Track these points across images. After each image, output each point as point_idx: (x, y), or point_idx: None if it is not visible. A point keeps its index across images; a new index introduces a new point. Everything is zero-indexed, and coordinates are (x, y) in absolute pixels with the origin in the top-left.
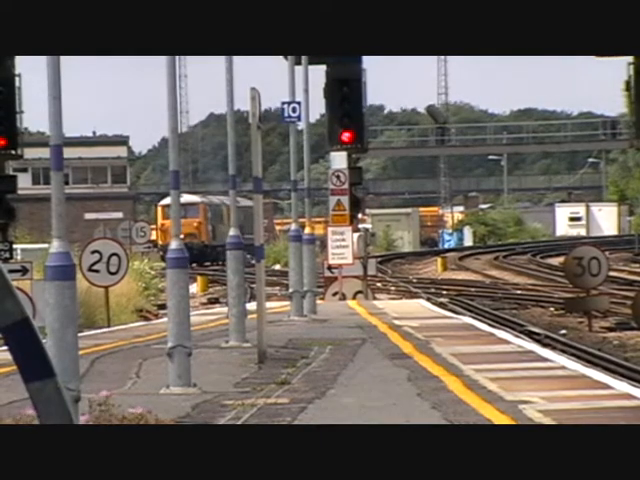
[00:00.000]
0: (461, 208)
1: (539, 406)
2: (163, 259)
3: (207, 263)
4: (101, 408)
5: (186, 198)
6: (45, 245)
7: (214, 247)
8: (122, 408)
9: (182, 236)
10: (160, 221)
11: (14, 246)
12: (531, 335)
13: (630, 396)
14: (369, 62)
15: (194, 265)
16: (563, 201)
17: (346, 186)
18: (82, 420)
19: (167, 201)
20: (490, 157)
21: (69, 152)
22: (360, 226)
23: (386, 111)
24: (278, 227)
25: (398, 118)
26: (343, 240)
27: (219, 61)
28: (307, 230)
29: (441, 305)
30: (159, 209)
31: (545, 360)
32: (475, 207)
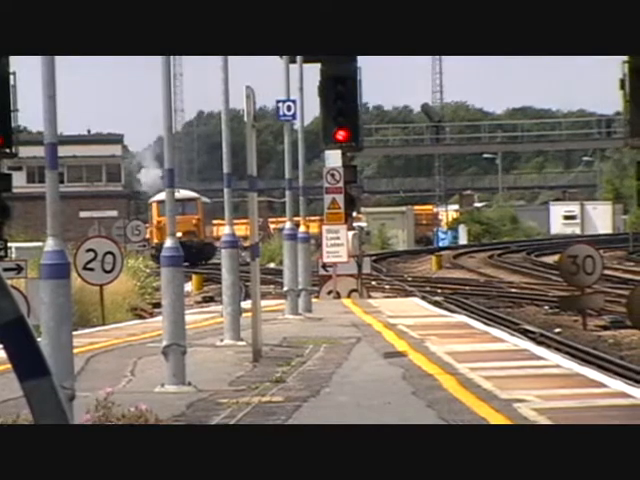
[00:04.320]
0: (456, 206)
1: (534, 404)
2: (156, 259)
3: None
4: (106, 404)
5: (183, 194)
6: (40, 243)
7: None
8: (118, 407)
9: (180, 234)
10: (156, 218)
11: (9, 245)
12: (526, 333)
13: (625, 394)
14: (364, 60)
15: (189, 263)
16: (558, 199)
17: (341, 184)
18: (84, 419)
19: (162, 196)
20: (485, 155)
21: (64, 150)
22: (355, 224)
23: (379, 109)
24: (273, 225)
25: (392, 116)
26: (338, 238)
27: (213, 59)
28: (302, 228)
29: (436, 303)
30: (154, 205)
31: (540, 358)
32: (470, 205)
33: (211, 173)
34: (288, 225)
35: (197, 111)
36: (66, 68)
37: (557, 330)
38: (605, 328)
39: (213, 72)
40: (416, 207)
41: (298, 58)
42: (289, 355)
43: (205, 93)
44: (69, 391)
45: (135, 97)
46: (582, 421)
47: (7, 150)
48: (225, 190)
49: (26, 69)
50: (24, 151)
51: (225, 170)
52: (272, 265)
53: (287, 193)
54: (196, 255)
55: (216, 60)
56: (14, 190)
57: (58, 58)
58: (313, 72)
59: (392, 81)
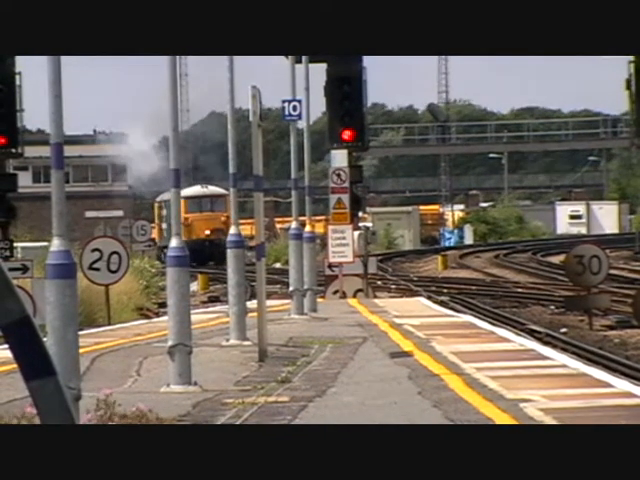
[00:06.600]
0: (462, 206)
1: (540, 404)
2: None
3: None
4: (106, 402)
5: (212, 189)
6: (45, 243)
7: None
8: (123, 406)
9: (208, 231)
10: (183, 215)
11: (14, 244)
12: (532, 333)
13: (631, 394)
14: (369, 60)
15: (211, 263)
16: (564, 199)
17: (347, 184)
18: (85, 419)
19: (189, 192)
20: (491, 155)
21: (69, 150)
22: (360, 224)
23: (385, 109)
24: (278, 225)
25: (396, 116)
26: (344, 238)
27: (220, 59)
28: (307, 228)
29: (442, 303)
30: (181, 202)
31: (546, 358)
32: (476, 205)
33: (214, 173)
34: (294, 225)
35: (209, 111)
36: (71, 67)
37: (563, 330)
38: (611, 328)
39: (220, 72)
40: (422, 207)
41: (304, 58)
42: (295, 355)
43: (215, 93)
44: (75, 391)
45: (141, 97)
46: (588, 421)
47: (13, 150)
48: (231, 190)
49: (32, 69)
50: (30, 151)
51: (231, 170)
52: (278, 265)
53: (293, 193)
54: (224, 254)
55: (223, 60)
56: (20, 190)
57: (64, 58)
58: (318, 72)
59: (396, 81)
